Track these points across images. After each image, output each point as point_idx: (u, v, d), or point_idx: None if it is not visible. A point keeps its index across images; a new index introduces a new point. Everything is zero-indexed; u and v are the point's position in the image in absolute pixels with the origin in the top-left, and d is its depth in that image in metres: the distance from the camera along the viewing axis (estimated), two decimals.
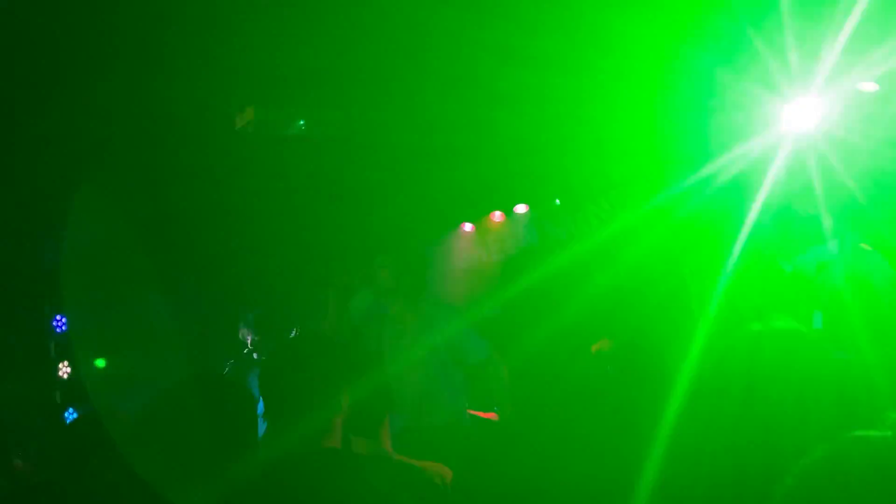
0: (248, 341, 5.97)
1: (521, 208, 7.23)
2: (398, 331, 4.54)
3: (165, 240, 7.14)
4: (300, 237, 7.73)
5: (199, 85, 3.96)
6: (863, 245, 3.70)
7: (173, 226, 6.90)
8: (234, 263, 7.91)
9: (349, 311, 4.52)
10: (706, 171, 5.84)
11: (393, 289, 4.52)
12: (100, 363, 7.16)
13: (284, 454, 2.34)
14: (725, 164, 5.65)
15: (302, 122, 3.91)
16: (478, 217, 7.57)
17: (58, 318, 6.84)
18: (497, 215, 7.37)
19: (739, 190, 5.66)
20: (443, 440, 4.26)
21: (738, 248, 6.03)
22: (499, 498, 1.83)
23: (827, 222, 3.62)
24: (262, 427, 5.09)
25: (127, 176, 5.33)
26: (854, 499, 0.72)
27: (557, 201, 7.11)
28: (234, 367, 5.94)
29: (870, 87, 4.68)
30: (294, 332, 4.94)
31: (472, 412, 4.85)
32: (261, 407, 5.27)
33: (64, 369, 6.86)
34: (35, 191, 5.24)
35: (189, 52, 3.62)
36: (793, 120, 5.11)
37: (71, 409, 6.83)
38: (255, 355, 5.96)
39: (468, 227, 7.66)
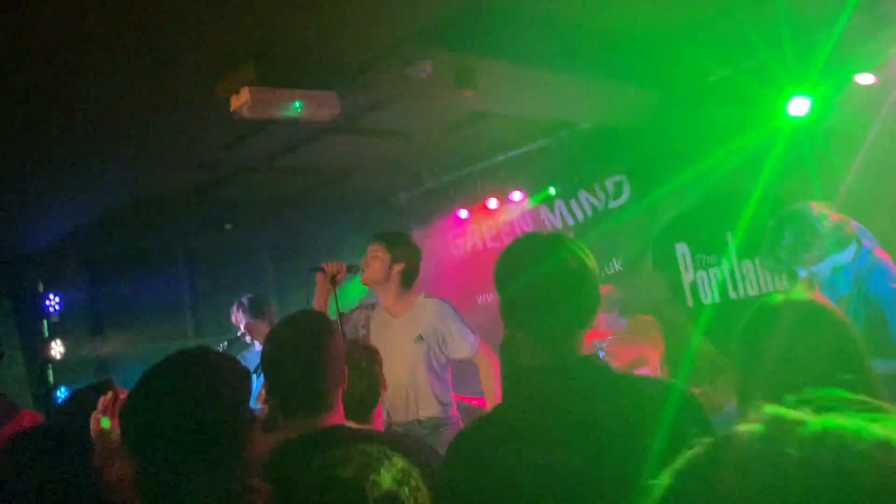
0: (242, 325, 5.96)
1: (517, 195, 7.22)
2: (386, 321, 4.51)
3: (159, 220, 7.14)
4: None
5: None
6: (876, 252, 3.66)
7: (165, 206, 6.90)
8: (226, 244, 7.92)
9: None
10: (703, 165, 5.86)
11: (384, 279, 4.46)
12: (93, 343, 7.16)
13: (295, 431, 2.36)
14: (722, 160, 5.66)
15: (298, 105, 3.88)
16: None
17: (50, 296, 6.84)
18: (492, 202, 7.35)
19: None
20: (430, 434, 4.25)
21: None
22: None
23: (844, 227, 3.59)
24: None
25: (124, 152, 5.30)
26: None
27: (552, 190, 7.10)
28: (227, 349, 5.95)
29: (867, 79, 4.67)
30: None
31: (463, 398, 4.85)
32: (256, 385, 5.25)
33: (56, 348, 6.87)
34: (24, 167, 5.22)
35: None
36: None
37: (63, 388, 6.84)
38: (247, 338, 5.96)
39: (463, 213, 7.64)
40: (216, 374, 1.82)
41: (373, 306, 4.62)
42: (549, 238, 1.98)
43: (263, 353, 2.50)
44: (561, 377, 1.88)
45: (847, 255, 3.59)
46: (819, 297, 2.02)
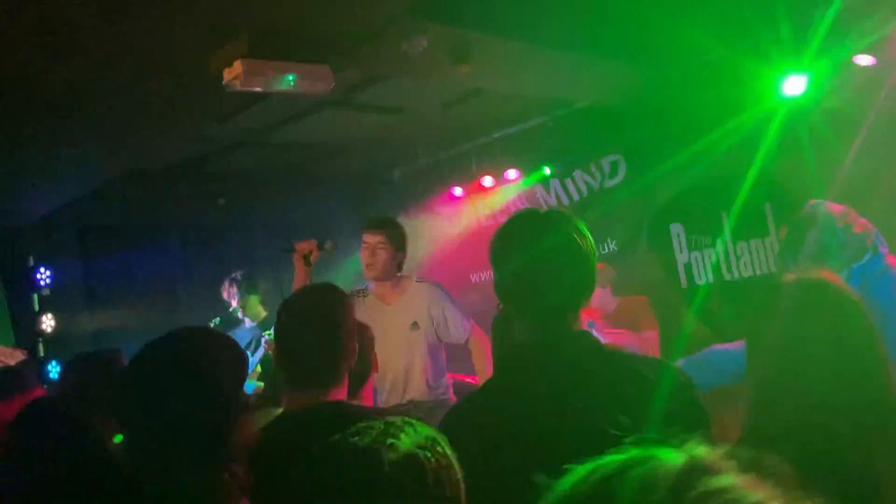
0: (234, 301, 5.95)
1: (512, 173, 7.19)
2: (379, 308, 4.43)
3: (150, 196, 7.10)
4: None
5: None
6: (888, 259, 3.61)
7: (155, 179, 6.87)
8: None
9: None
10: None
11: (393, 272, 4.38)
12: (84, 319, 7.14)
13: (298, 404, 2.36)
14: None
15: (291, 78, 3.84)
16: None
17: (41, 270, 6.80)
18: (487, 180, 7.31)
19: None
20: (425, 417, 4.22)
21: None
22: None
23: (866, 239, 3.52)
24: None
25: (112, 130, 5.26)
26: None
27: (547, 170, 7.08)
28: (219, 325, 5.94)
29: (866, 60, 4.64)
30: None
31: (459, 376, 4.84)
32: (251, 362, 5.20)
33: (47, 322, 6.84)
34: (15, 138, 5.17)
35: None
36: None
37: (54, 362, 6.82)
38: (239, 314, 5.94)
39: (458, 191, 7.60)
40: (211, 357, 1.79)
41: (362, 293, 4.52)
42: (547, 216, 1.96)
43: (278, 320, 2.48)
44: (552, 353, 1.87)
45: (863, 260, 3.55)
46: (832, 276, 1.94)
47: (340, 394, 2.41)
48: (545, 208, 2.05)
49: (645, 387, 1.81)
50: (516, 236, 1.94)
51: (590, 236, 1.93)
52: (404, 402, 4.31)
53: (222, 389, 1.76)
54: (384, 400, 4.29)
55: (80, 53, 3.96)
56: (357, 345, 2.50)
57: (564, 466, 0.85)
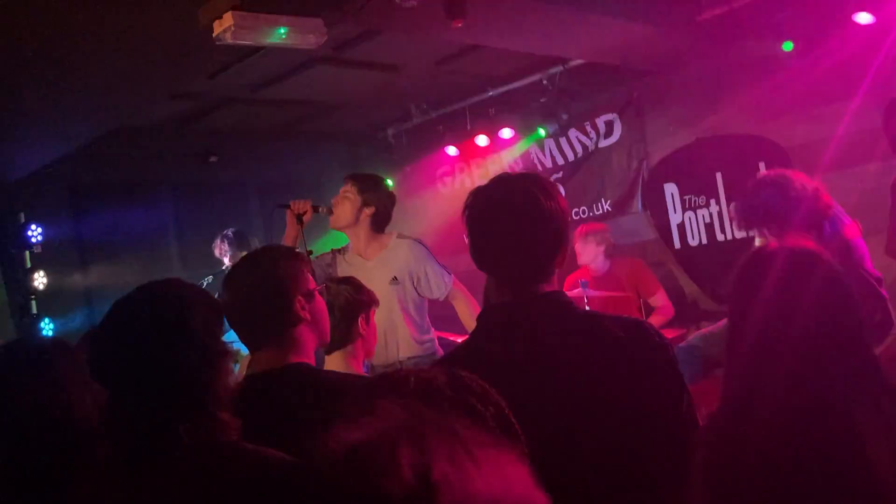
0: (226, 259, 5.92)
1: (506, 132, 7.14)
2: (357, 264, 4.35)
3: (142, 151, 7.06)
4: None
5: None
6: (844, 233, 3.57)
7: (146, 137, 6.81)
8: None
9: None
10: None
11: (353, 222, 4.34)
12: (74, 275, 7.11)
13: (260, 366, 2.33)
14: None
15: (283, 31, 3.78)
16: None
17: (32, 227, 6.76)
18: (482, 139, 7.26)
19: None
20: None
21: None
22: None
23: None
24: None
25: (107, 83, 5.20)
26: None
27: (542, 131, 7.03)
28: (212, 283, 5.92)
29: (865, 18, 4.59)
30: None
31: (444, 335, 4.83)
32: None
33: (39, 279, 6.82)
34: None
35: None
36: None
37: (47, 319, 6.82)
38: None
39: (452, 150, 7.55)
40: (182, 306, 1.77)
41: (342, 251, 4.49)
42: (516, 180, 1.98)
43: (223, 283, 2.43)
44: (520, 313, 1.91)
45: None
46: (813, 245, 1.91)
47: (301, 355, 2.35)
48: (539, 168, 2.05)
49: (615, 346, 1.83)
50: (485, 201, 1.96)
51: (560, 199, 1.94)
52: (390, 361, 4.28)
53: (198, 336, 1.74)
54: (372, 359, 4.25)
55: (68, 8, 3.90)
56: (316, 305, 2.42)
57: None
